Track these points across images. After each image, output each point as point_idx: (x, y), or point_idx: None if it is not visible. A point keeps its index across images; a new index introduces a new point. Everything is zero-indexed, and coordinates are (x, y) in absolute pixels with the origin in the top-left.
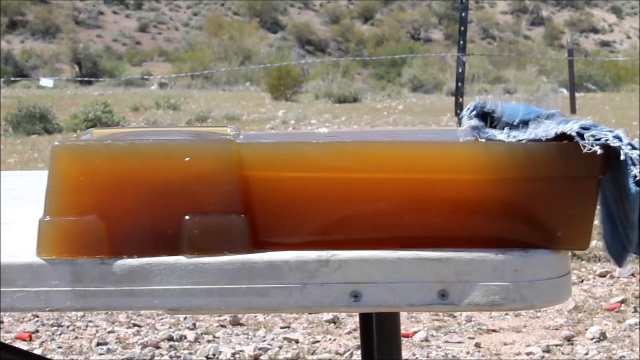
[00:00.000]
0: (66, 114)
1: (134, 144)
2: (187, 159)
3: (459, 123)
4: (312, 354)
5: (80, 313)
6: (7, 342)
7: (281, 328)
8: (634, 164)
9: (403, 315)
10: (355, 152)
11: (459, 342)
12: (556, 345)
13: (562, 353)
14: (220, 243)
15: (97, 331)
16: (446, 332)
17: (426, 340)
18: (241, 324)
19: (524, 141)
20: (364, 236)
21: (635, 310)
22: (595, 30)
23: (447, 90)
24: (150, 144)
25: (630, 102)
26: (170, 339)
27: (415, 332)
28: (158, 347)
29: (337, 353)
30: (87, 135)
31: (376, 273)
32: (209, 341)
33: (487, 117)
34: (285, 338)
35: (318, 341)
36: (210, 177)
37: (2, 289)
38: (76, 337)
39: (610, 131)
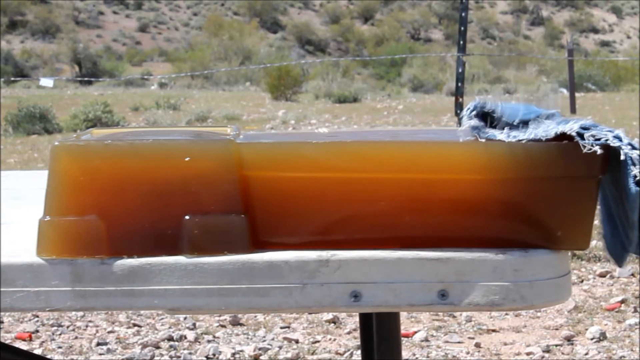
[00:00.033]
0: (66, 114)
1: (134, 144)
2: (187, 159)
3: (459, 123)
4: (312, 354)
5: (80, 313)
6: (7, 342)
7: (281, 328)
8: (634, 164)
9: (403, 315)
10: (355, 152)
11: (459, 342)
12: (556, 345)
13: (562, 353)
14: (220, 243)
15: (97, 331)
16: (446, 332)
17: (426, 340)
18: (241, 324)
19: (524, 141)
20: (364, 236)
21: (635, 310)
22: (595, 30)
23: (447, 90)
24: (150, 144)
25: (630, 102)
26: (170, 339)
27: (415, 332)
28: (158, 347)
29: (337, 353)
30: (87, 135)
31: (376, 273)
32: (209, 341)
33: (487, 117)
34: (285, 338)
35: (318, 341)
36: (210, 177)
37: (2, 289)
38: (76, 337)
39: (610, 131)
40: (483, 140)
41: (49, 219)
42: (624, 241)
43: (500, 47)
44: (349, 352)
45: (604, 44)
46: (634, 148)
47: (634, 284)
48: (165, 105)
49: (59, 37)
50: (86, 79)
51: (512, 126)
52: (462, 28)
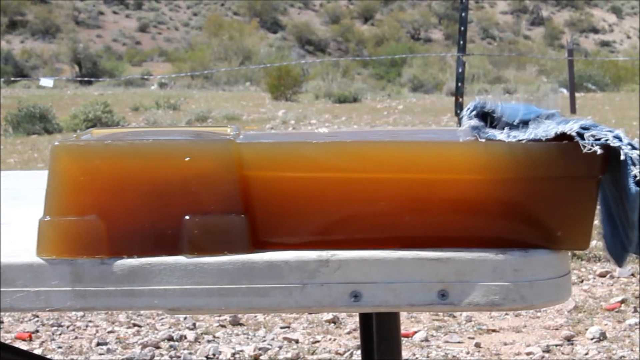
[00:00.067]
0: (66, 114)
1: (134, 144)
2: (187, 159)
3: (459, 123)
4: (312, 354)
5: (80, 313)
6: (7, 342)
7: (281, 328)
8: (634, 164)
9: (403, 315)
10: (355, 152)
11: (459, 342)
12: (556, 345)
13: (562, 353)
14: (220, 243)
15: (97, 331)
16: (446, 332)
17: (426, 340)
18: (241, 324)
19: (524, 141)
20: (364, 236)
21: (635, 310)
22: (595, 30)
23: (447, 90)
24: (150, 144)
25: (630, 102)
26: (170, 339)
27: (415, 332)
28: (158, 347)
29: (337, 353)
30: (87, 135)
31: (376, 273)
32: (209, 341)
33: (487, 117)
34: (285, 338)
35: (318, 341)
36: (210, 177)
37: (2, 289)
38: (76, 337)
39: (610, 131)
40: (483, 140)
41: (49, 219)
42: (624, 241)
43: (500, 47)
44: (349, 352)
45: (604, 44)
46: (634, 148)
47: (634, 284)
48: (165, 105)
49: (59, 37)
50: (86, 79)
51: (512, 126)
52: (462, 28)
